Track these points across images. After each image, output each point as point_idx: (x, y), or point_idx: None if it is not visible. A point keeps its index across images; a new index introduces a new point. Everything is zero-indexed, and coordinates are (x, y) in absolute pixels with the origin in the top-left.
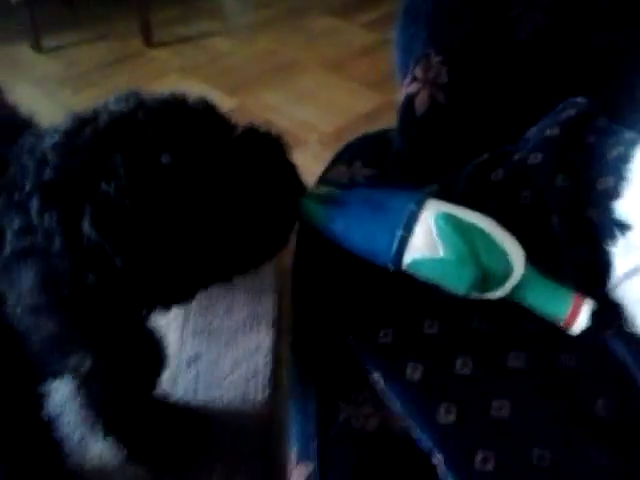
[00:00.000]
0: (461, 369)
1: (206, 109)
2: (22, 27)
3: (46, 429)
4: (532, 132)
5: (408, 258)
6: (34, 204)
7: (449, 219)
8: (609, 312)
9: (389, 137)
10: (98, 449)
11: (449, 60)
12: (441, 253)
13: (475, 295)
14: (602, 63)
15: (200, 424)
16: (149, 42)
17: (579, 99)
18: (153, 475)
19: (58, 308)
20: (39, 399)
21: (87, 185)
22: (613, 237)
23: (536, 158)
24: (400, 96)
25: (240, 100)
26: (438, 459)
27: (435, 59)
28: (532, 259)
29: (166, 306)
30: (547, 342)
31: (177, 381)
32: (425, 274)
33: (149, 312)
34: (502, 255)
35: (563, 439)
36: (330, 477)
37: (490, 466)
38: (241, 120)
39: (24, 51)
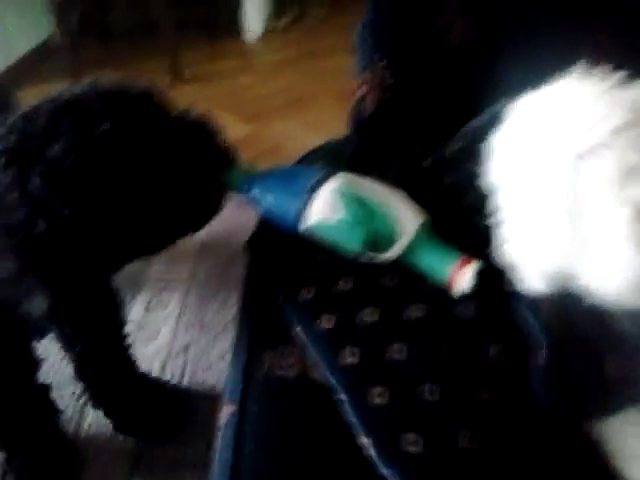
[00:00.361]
0: (368, 318)
1: (146, 94)
2: (63, 67)
3: (41, 391)
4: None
5: (311, 220)
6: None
7: (349, 186)
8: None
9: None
10: (92, 419)
11: (392, 63)
12: (339, 215)
13: (370, 255)
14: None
15: (184, 402)
16: (178, 78)
17: (504, 100)
18: (138, 445)
19: (14, 251)
20: (31, 359)
21: (41, 147)
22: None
23: (457, 145)
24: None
25: (254, 127)
26: (341, 396)
27: (380, 64)
28: (447, 232)
29: (114, 264)
30: (447, 296)
31: (166, 367)
32: (325, 234)
33: (100, 264)
34: (393, 218)
35: (453, 376)
36: (249, 414)
37: (384, 400)
38: (253, 145)
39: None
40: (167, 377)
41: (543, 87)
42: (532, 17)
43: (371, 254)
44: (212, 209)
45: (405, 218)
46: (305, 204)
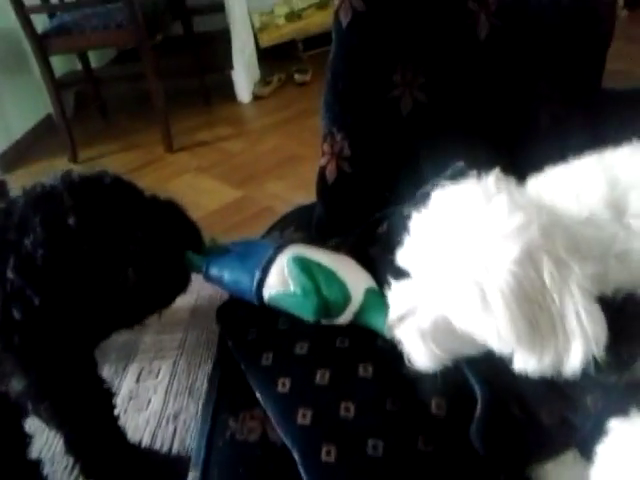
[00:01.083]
0: (320, 380)
1: (115, 183)
2: (62, 143)
3: (32, 468)
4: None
5: (266, 294)
6: None
7: (297, 260)
8: None
9: None
10: None
11: (349, 135)
12: (291, 288)
13: (324, 321)
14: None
15: (174, 470)
16: (169, 148)
17: (458, 164)
18: None
19: None
20: (22, 436)
21: (15, 241)
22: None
23: (409, 210)
24: None
25: (245, 191)
26: (295, 455)
27: (338, 135)
28: None
29: (87, 342)
30: (394, 355)
31: (156, 436)
32: (282, 306)
33: (74, 344)
34: (341, 287)
35: (395, 431)
36: (209, 479)
37: (332, 458)
38: (244, 208)
39: (62, 163)
40: (157, 445)
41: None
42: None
43: (325, 320)
44: (178, 287)
45: (353, 283)
46: (259, 281)
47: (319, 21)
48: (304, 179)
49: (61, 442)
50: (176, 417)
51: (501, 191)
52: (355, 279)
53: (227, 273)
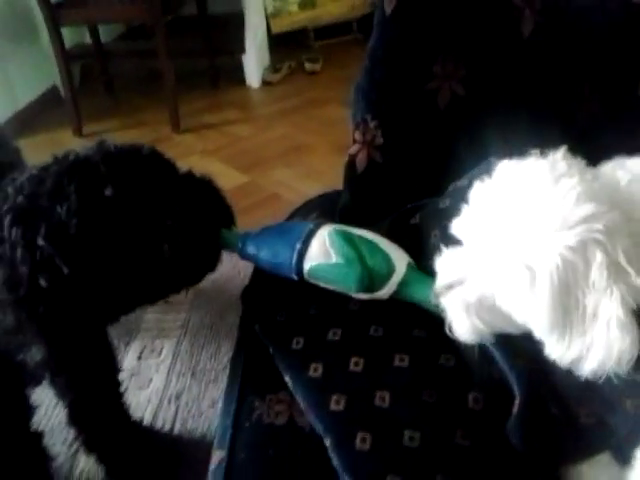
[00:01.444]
0: (354, 367)
1: (152, 155)
2: (65, 117)
3: (35, 439)
4: (452, 185)
5: (307, 265)
6: (6, 221)
7: (339, 232)
8: None
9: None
10: (84, 466)
11: (383, 124)
12: (333, 259)
13: (367, 295)
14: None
15: (173, 450)
16: (177, 129)
17: (493, 159)
18: None
19: (17, 304)
20: (26, 407)
21: (47, 209)
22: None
23: (445, 203)
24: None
25: (252, 177)
26: (328, 442)
27: (372, 123)
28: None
29: (110, 316)
30: (430, 345)
31: (158, 415)
32: (322, 278)
33: (97, 317)
34: (385, 257)
35: (433, 423)
36: (237, 461)
37: (367, 445)
38: (250, 194)
39: (67, 136)
40: (159, 425)
41: (524, 156)
42: (526, 84)
43: (365, 294)
44: (210, 265)
45: (395, 256)
46: (300, 254)
47: (333, 11)
48: (311, 168)
49: (60, 415)
50: (178, 397)
51: (572, 174)
52: (397, 251)
53: (264, 248)
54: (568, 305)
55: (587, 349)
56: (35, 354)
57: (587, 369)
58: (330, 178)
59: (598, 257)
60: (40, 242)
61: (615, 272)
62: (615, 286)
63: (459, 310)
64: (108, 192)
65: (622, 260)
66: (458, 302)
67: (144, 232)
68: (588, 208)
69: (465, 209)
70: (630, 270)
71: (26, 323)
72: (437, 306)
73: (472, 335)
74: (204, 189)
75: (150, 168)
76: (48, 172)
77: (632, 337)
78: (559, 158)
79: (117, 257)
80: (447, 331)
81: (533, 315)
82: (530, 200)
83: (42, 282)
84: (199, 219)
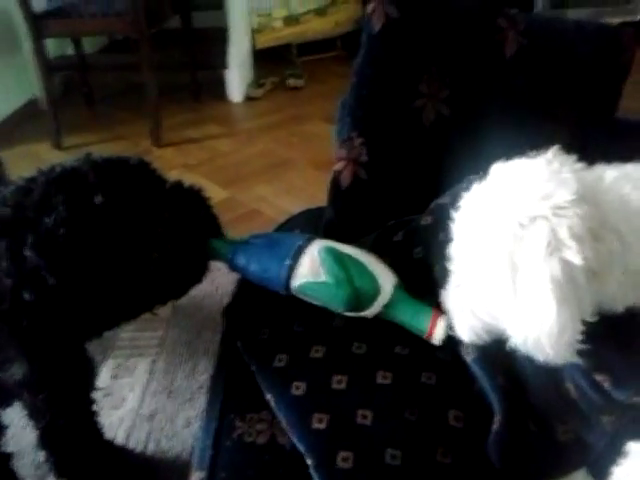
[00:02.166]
0: (337, 385)
1: (141, 165)
2: (47, 128)
3: (3, 459)
4: (434, 203)
5: (296, 282)
6: None
7: (329, 250)
8: None
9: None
10: None
11: (368, 141)
12: (322, 277)
13: (351, 314)
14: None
15: (147, 471)
16: (158, 142)
17: (474, 177)
18: None
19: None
20: None
21: (33, 220)
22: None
23: (427, 220)
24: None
25: (232, 192)
26: (309, 461)
27: (357, 140)
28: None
29: (94, 331)
30: (412, 363)
31: (131, 435)
32: (310, 295)
33: (81, 332)
34: (372, 278)
35: (414, 441)
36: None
37: (349, 464)
38: (231, 209)
39: (45, 149)
40: (132, 445)
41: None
42: (508, 104)
43: (352, 312)
44: (198, 275)
45: (383, 277)
46: (289, 269)
47: (317, 27)
48: (292, 185)
49: (29, 437)
50: (152, 417)
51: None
52: (384, 273)
53: (254, 261)
54: (515, 279)
55: (517, 321)
56: (16, 371)
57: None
58: (311, 194)
59: (540, 232)
60: (27, 253)
61: (556, 248)
62: (549, 260)
63: (459, 310)
64: (98, 200)
65: (564, 235)
66: (458, 302)
67: (134, 240)
68: (547, 189)
69: (460, 211)
70: (571, 244)
71: (8, 339)
72: (419, 330)
73: (472, 334)
74: (192, 199)
75: (138, 178)
76: (35, 183)
77: (559, 312)
78: (551, 157)
79: (106, 266)
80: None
81: (498, 295)
82: (512, 195)
83: (26, 295)
84: (188, 227)
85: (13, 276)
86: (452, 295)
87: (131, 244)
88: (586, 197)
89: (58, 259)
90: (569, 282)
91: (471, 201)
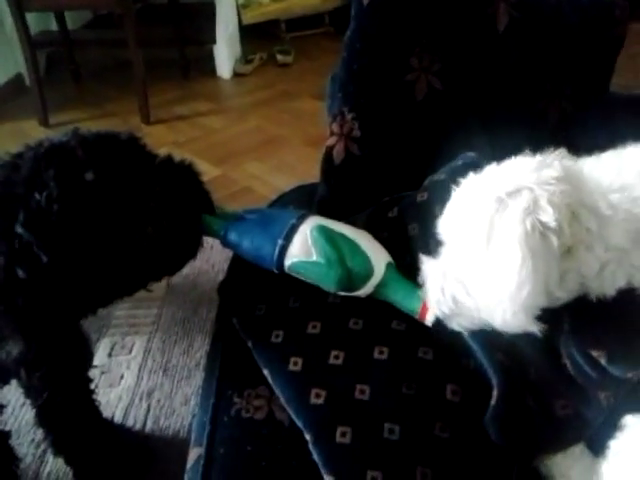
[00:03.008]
0: (334, 360)
1: (131, 140)
2: (33, 105)
3: (1, 438)
4: (428, 179)
5: (288, 261)
6: None
7: (322, 230)
8: None
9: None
10: (51, 467)
11: (360, 116)
12: (314, 257)
13: (343, 293)
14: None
15: (145, 449)
16: (147, 120)
17: (469, 154)
18: None
19: None
20: None
21: (23, 196)
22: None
23: (422, 197)
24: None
25: (224, 170)
26: (308, 436)
27: (349, 115)
28: (414, 275)
29: (89, 308)
30: (409, 338)
31: (129, 413)
32: (302, 274)
33: (75, 310)
34: (365, 259)
35: (412, 415)
36: (215, 457)
37: (347, 439)
38: (223, 187)
39: (32, 126)
40: (130, 423)
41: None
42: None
43: (344, 292)
44: (192, 250)
45: (376, 257)
46: (281, 249)
47: (304, 3)
48: (283, 162)
49: (27, 415)
50: (150, 395)
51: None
52: (377, 253)
53: (247, 239)
54: (490, 240)
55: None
56: (12, 349)
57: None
58: (302, 171)
59: (522, 199)
60: (18, 230)
61: (533, 211)
62: (524, 220)
63: (446, 302)
64: (89, 177)
65: (543, 202)
66: (443, 293)
67: (127, 216)
68: (535, 167)
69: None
70: (548, 209)
71: (3, 317)
72: (411, 310)
73: (463, 324)
74: (184, 173)
75: (129, 153)
76: (22, 159)
77: (522, 264)
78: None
79: (100, 242)
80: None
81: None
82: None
83: (20, 273)
84: (181, 201)
85: (5, 253)
86: (427, 262)
87: (124, 219)
88: (568, 179)
89: (50, 236)
90: (538, 241)
91: (466, 185)
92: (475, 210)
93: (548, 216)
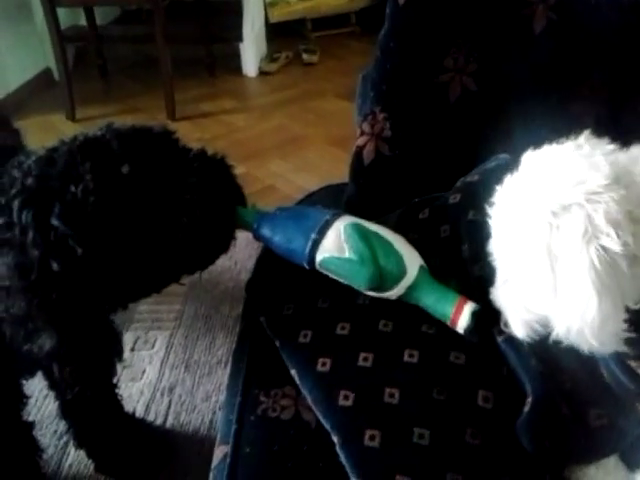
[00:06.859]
0: (363, 362)
1: (165, 134)
2: (61, 99)
3: (25, 428)
4: (460, 181)
5: (319, 256)
6: (15, 205)
7: (355, 227)
8: (493, 315)
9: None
10: (73, 459)
11: (392, 116)
12: (347, 254)
13: (373, 293)
14: (521, 125)
15: (166, 444)
16: (172, 116)
17: (502, 155)
18: None
19: (27, 290)
20: (19, 395)
21: (59, 189)
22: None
23: (455, 198)
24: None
25: (248, 167)
26: (336, 438)
27: (380, 115)
28: (443, 278)
29: (122, 302)
30: (440, 343)
31: (150, 407)
32: (333, 271)
33: (108, 304)
34: (398, 259)
35: (443, 421)
36: (242, 456)
37: (376, 443)
38: (246, 184)
39: (60, 120)
40: (151, 418)
41: (537, 148)
42: (536, 81)
43: (374, 292)
44: (224, 244)
45: (409, 258)
46: (314, 242)
47: (331, 2)
48: (307, 161)
49: (50, 407)
50: (171, 390)
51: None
52: (411, 254)
53: (280, 232)
54: (555, 270)
55: (560, 313)
56: (45, 343)
57: (563, 333)
58: (326, 170)
59: (575, 220)
60: (54, 222)
61: (593, 235)
62: (587, 248)
63: (511, 306)
64: (125, 170)
65: (600, 221)
66: (509, 298)
67: (162, 207)
68: (579, 174)
69: (495, 206)
70: (609, 230)
71: (37, 311)
72: (443, 315)
73: (527, 329)
74: (217, 166)
75: (163, 145)
76: (58, 152)
77: (600, 301)
78: (582, 141)
79: (135, 234)
80: (502, 327)
81: (540, 287)
82: (543, 183)
83: (54, 266)
84: (215, 193)
85: (40, 246)
86: (501, 291)
87: (159, 211)
88: (621, 179)
89: (86, 228)
90: (609, 270)
91: (505, 195)
92: (526, 233)
93: (612, 241)
